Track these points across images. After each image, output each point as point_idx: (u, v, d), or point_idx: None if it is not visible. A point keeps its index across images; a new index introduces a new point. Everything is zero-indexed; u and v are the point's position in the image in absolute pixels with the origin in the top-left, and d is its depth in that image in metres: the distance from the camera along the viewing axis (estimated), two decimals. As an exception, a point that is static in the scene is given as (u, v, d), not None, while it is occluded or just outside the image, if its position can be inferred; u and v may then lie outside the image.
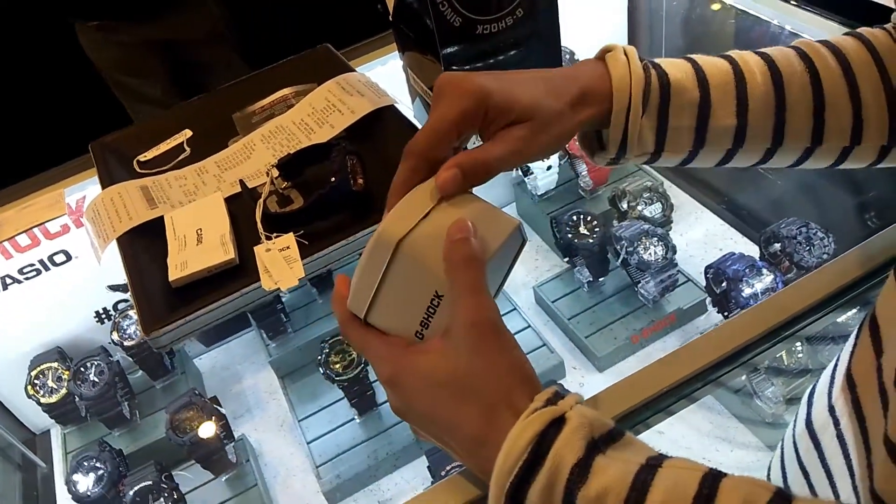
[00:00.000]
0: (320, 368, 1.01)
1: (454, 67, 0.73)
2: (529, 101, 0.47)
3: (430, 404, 0.42)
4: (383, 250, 0.43)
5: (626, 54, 0.51)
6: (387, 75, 0.99)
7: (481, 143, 0.48)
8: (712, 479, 0.36)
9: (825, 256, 0.98)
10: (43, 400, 1.08)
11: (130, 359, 1.11)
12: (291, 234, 0.72)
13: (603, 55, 0.52)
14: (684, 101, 0.51)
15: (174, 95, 1.85)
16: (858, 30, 0.55)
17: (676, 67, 0.52)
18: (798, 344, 0.94)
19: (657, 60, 0.53)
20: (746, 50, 0.54)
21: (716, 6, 1.14)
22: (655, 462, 0.37)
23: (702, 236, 1.24)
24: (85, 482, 0.96)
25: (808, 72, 0.52)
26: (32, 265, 1.04)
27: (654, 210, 1.17)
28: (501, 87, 0.46)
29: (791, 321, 0.61)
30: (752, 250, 1.09)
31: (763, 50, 0.54)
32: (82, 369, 1.07)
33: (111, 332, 1.10)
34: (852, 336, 0.54)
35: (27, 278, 1.05)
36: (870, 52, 0.52)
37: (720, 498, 0.35)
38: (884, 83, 0.52)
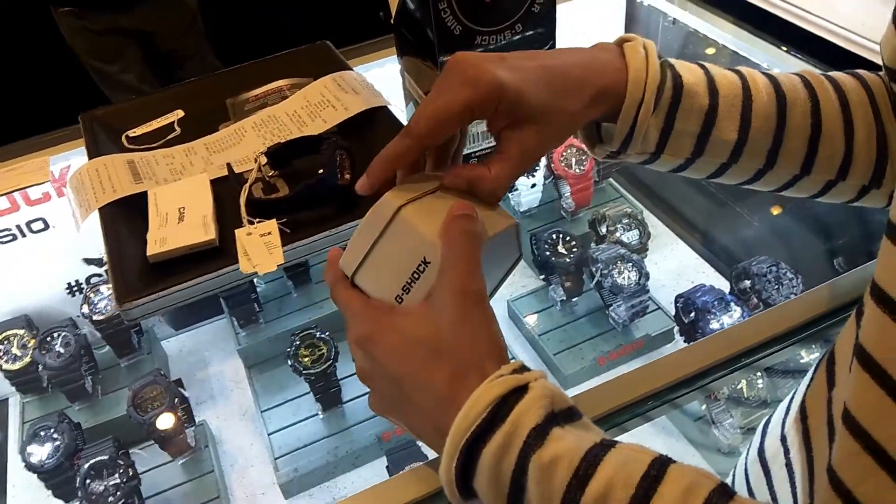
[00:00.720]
0: (289, 360, 1.02)
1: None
2: (542, 105, 0.46)
3: (402, 362, 0.43)
4: (383, 213, 0.44)
5: (645, 48, 0.50)
6: (383, 77, 1.00)
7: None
8: (661, 464, 0.37)
9: (792, 296, 1.00)
10: (5, 366, 1.07)
11: (98, 333, 1.10)
12: (274, 220, 0.73)
13: (621, 43, 0.51)
14: (693, 105, 0.51)
15: (149, 83, 1.87)
16: (857, 70, 0.56)
17: (690, 71, 0.52)
18: (759, 377, 0.97)
19: (671, 61, 0.53)
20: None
21: (710, 50, 1.17)
22: (609, 443, 0.39)
23: (675, 267, 1.26)
24: (40, 452, 0.95)
25: (811, 101, 0.53)
26: (9, 230, 1.04)
27: (631, 236, 1.19)
28: (515, 83, 0.45)
29: (748, 352, 0.63)
30: (724, 285, 1.11)
31: (769, 72, 0.55)
32: (48, 339, 1.06)
33: (81, 305, 1.09)
34: (811, 370, 0.56)
35: (2, 242, 1.04)
36: (867, 93, 0.54)
37: (667, 480, 0.36)
38: (876, 125, 0.53)
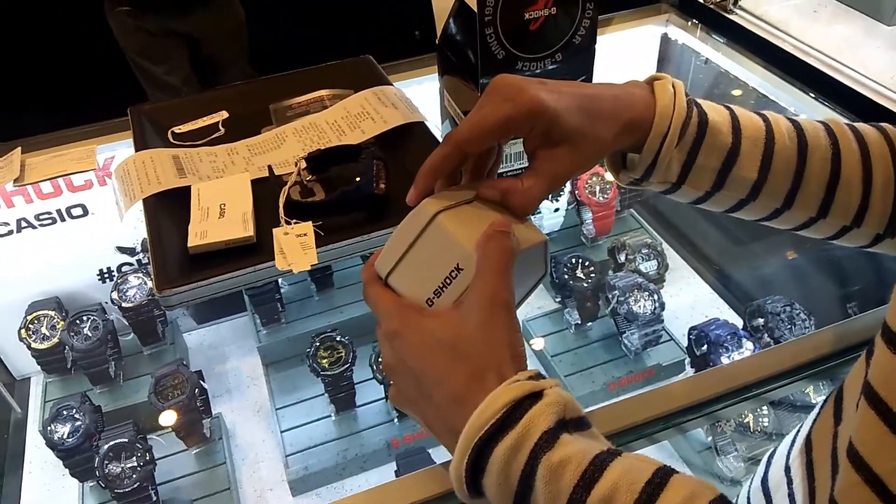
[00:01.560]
0: (308, 360, 1.04)
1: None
2: (576, 129, 0.49)
3: (423, 359, 0.45)
4: (420, 218, 0.47)
5: (673, 87, 0.53)
6: (421, 94, 1.04)
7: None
8: (664, 473, 0.39)
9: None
10: (34, 345, 1.11)
11: (125, 321, 1.14)
12: (310, 222, 0.76)
13: (652, 81, 0.54)
14: (716, 142, 0.54)
15: (192, 87, 1.92)
16: (881, 124, 0.59)
17: (716, 111, 0.55)
18: (766, 411, 0.98)
19: (699, 100, 0.55)
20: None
21: (742, 89, 1.20)
22: (616, 451, 0.41)
23: (690, 300, 1.28)
24: (61, 430, 0.98)
25: (832, 148, 0.55)
26: (49, 213, 1.07)
27: (649, 266, 1.21)
28: (553, 105, 0.48)
29: (755, 384, 0.65)
30: (737, 322, 1.13)
31: (793, 117, 0.58)
32: (78, 321, 1.10)
33: (111, 292, 1.13)
34: (819, 405, 0.58)
35: (42, 225, 1.08)
36: (888, 146, 0.56)
37: (669, 488, 0.38)
38: (895, 177, 0.55)
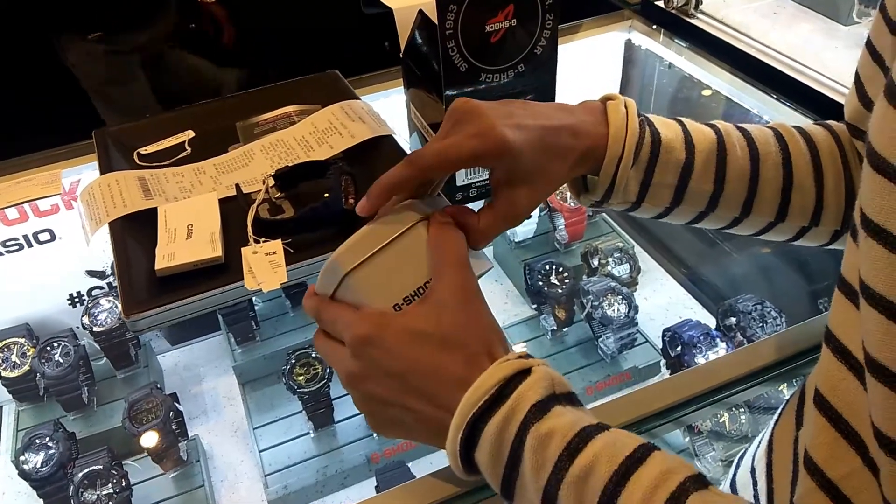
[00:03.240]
0: (284, 378, 1.04)
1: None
2: (535, 165, 0.50)
3: (410, 356, 0.45)
4: (403, 220, 0.47)
5: (626, 107, 0.54)
6: (388, 107, 1.04)
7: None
8: (646, 449, 0.40)
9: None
10: (4, 373, 1.09)
11: (97, 345, 1.12)
12: (279, 240, 0.75)
13: (604, 101, 0.55)
14: (671, 160, 0.55)
15: (158, 109, 1.91)
16: (827, 122, 0.60)
17: (668, 128, 0.56)
18: (741, 412, 0.99)
19: (651, 117, 0.57)
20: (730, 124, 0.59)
21: (706, 92, 1.22)
22: (604, 426, 0.42)
23: (664, 302, 1.29)
24: (34, 460, 0.97)
25: (782, 153, 0.57)
26: (16, 240, 1.06)
27: (622, 270, 1.22)
28: (518, 145, 0.49)
29: (724, 386, 0.66)
30: (710, 321, 1.14)
31: (743, 126, 0.59)
32: (48, 348, 1.08)
33: (82, 317, 1.11)
34: (780, 407, 0.59)
35: (9, 251, 1.06)
36: (836, 143, 0.58)
37: (648, 463, 0.39)
38: (844, 172, 0.57)
